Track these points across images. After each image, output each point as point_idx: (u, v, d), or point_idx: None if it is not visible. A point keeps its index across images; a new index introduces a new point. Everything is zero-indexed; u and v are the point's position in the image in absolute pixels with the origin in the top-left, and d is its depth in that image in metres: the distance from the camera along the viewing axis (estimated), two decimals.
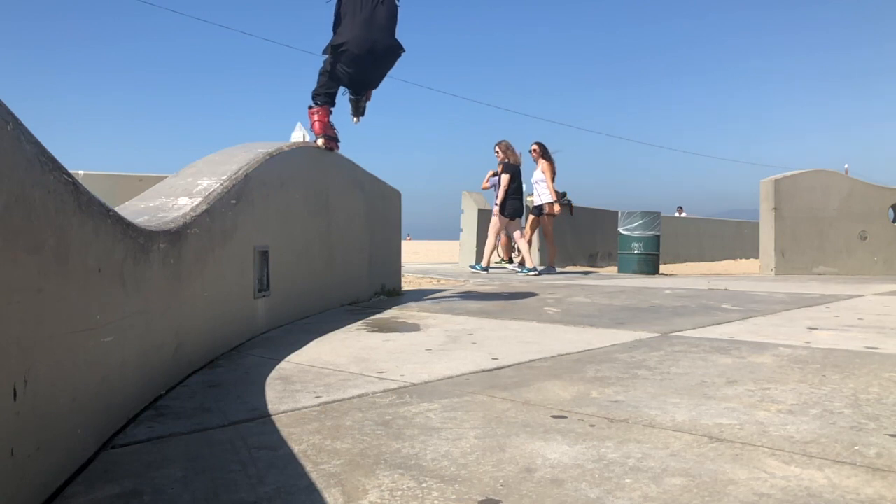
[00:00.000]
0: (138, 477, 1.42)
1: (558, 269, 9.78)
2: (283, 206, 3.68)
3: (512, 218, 9.26)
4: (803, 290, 6.30)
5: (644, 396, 2.11)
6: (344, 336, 3.35)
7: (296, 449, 1.59)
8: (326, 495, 1.31)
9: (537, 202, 9.62)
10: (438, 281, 7.71)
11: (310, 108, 4.55)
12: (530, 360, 2.71)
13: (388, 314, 4.28)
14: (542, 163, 9.51)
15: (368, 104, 4.76)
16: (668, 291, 6.13)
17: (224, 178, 2.96)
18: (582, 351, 2.94)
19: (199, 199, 2.67)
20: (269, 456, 1.55)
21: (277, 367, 2.57)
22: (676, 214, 19.84)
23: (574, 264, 11.85)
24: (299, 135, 4.47)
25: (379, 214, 5.45)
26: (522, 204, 9.60)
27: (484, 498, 1.30)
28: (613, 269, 10.76)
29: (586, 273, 10.03)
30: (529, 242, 9.62)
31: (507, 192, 9.14)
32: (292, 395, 2.13)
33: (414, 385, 2.28)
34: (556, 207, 9.40)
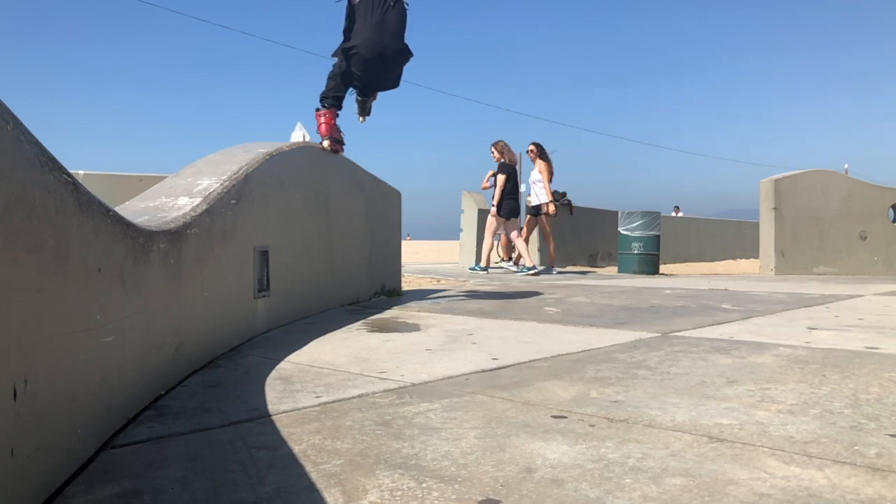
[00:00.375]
0: (138, 477, 1.42)
1: (558, 269, 9.79)
2: (283, 206, 3.68)
3: (508, 218, 9.27)
4: (803, 290, 6.31)
5: (644, 396, 2.11)
6: (344, 336, 3.35)
7: (296, 449, 1.59)
8: (326, 495, 1.31)
9: (535, 202, 9.64)
10: (438, 281, 7.71)
11: (317, 110, 4.61)
12: (530, 360, 2.71)
13: (388, 314, 4.28)
14: (540, 163, 9.53)
15: (374, 104, 4.84)
16: (668, 291, 6.13)
17: (224, 178, 2.96)
18: (582, 351, 2.94)
19: (199, 199, 2.67)
20: (269, 456, 1.55)
21: (277, 367, 2.57)
22: (673, 214, 19.83)
23: (574, 264, 11.85)
24: (299, 135, 4.48)
25: (379, 214, 5.45)
26: (518, 204, 9.61)
27: (484, 498, 1.30)
28: (613, 269, 10.77)
29: (586, 273, 10.04)
30: (527, 241, 9.64)
31: (503, 192, 9.15)
32: (292, 395, 2.13)
33: (414, 385, 2.28)
34: (551, 208, 9.41)
